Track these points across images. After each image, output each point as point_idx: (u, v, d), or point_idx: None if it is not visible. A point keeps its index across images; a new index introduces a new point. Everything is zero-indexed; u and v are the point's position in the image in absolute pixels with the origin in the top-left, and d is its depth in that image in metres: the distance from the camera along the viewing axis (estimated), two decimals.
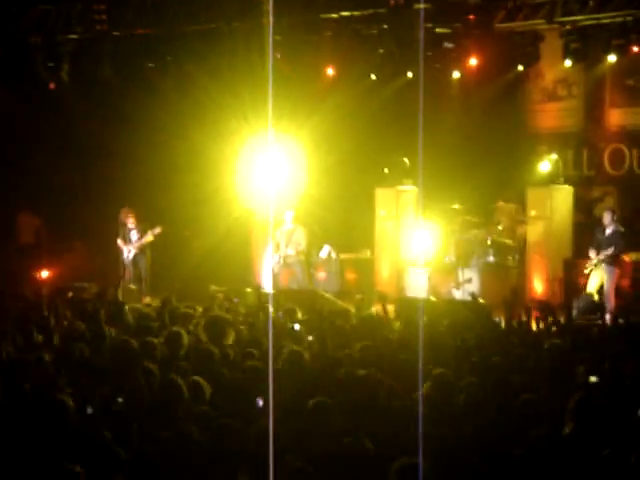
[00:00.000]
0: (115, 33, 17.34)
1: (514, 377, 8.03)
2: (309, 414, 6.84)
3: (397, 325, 11.50)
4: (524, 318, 10.71)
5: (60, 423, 6.31)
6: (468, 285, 16.29)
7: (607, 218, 14.83)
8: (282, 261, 17.29)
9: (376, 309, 12.99)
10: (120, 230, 17.30)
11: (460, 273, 16.44)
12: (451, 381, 7.65)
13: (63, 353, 8.96)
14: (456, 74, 16.67)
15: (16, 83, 18.28)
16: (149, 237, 17.15)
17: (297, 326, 10.80)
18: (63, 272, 17.93)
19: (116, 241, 17.38)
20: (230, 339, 9.92)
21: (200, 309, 11.80)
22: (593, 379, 7.77)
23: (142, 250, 17.24)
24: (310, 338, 10.24)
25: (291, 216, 17.30)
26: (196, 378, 7.56)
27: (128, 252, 17.25)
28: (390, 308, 12.44)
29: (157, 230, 17.07)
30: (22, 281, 17.00)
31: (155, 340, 9.21)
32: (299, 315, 11.57)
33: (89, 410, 6.67)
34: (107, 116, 17.90)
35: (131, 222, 17.21)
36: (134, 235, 17.24)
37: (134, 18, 17.23)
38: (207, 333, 9.89)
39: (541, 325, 10.46)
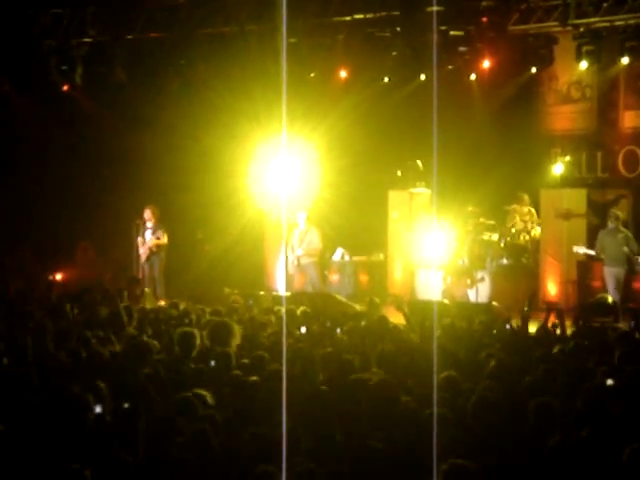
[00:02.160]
0: (128, 37, 17.36)
1: (529, 380, 8.00)
2: (323, 418, 6.84)
3: (410, 328, 11.48)
4: (540, 321, 10.68)
5: (76, 420, 6.27)
6: (481, 286, 16.28)
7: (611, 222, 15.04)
8: (296, 262, 17.27)
9: (389, 311, 12.99)
10: (138, 229, 17.34)
11: (475, 275, 16.44)
12: (458, 384, 7.61)
13: (74, 353, 8.94)
14: (472, 76, 16.65)
15: (30, 86, 18.35)
16: (163, 239, 17.15)
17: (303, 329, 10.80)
18: (76, 275, 17.99)
19: (130, 242, 17.43)
20: (234, 343, 9.90)
21: (208, 310, 11.84)
22: (610, 382, 7.73)
23: (156, 252, 17.22)
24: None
25: (304, 218, 17.28)
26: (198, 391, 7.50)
27: (143, 253, 17.28)
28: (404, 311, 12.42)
29: (163, 239, 17.07)
30: (36, 283, 17.03)
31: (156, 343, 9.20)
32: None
33: (97, 409, 6.62)
34: (120, 119, 17.97)
35: (150, 221, 17.20)
36: (148, 234, 17.26)
37: (147, 22, 17.26)
38: (211, 338, 9.86)
39: (556, 328, 10.43)
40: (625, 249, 14.79)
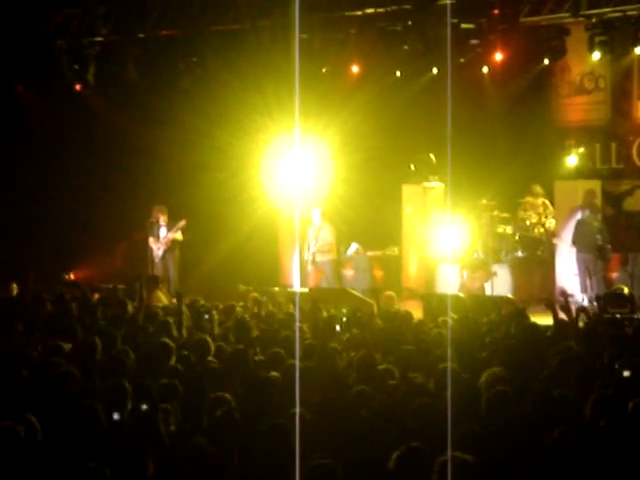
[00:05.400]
0: (140, 35, 17.39)
1: (546, 373, 7.97)
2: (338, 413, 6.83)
3: (425, 322, 11.48)
4: (556, 314, 10.63)
5: (89, 430, 6.28)
6: (496, 279, 16.24)
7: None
8: (312, 258, 17.28)
9: (405, 306, 12.99)
10: (151, 228, 17.32)
11: (490, 268, 16.41)
12: (460, 376, 7.60)
13: (89, 353, 8.94)
14: (484, 69, 16.60)
15: (42, 86, 18.40)
16: (178, 234, 17.17)
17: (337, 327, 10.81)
18: (92, 273, 18.02)
19: (145, 240, 17.42)
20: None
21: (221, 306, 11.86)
22: (626, 373, 7.69)
23: (171, 248, 17.23)
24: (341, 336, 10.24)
25: (319, 214, 17.28)
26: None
27: (157, 249, 17.27)
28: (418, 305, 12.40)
29: (182, 223, 17.07)
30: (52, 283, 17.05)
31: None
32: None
33: (115, 416, 6.64)
34: (133, 117, 18.00)
35: (162, 219, 17.23)
36: (163, 232, 17.26)
37: (158, 19, 17.28)
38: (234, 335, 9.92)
39: (573, 319, 10.38)
40: (598, 237, 15.49)
